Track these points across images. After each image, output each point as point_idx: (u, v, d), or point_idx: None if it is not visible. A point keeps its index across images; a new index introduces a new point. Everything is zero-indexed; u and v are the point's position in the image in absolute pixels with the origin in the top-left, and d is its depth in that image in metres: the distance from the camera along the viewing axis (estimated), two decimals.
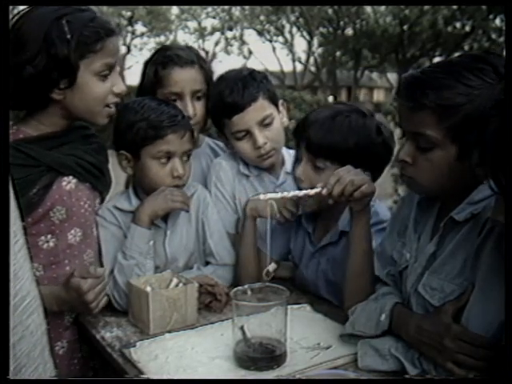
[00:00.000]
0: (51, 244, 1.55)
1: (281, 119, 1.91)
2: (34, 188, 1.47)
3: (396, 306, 1.30)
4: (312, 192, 1.42)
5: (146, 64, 1.98)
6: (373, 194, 1.43)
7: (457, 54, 1.27)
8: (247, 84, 1.82)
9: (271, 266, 1.37)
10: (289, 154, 1.97)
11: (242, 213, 1.84)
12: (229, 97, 1.80)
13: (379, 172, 1.67)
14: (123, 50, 26.77)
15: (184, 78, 1.91)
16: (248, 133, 1.83)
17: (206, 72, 1.97)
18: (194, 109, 1.92)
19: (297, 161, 1.68)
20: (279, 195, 1.40)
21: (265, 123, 1.83)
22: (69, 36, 1.42)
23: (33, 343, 1.44)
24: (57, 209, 1.54)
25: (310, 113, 1.70)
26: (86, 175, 1.60)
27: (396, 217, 1.46)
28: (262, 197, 1.38)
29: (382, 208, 1.69)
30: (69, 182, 1.56)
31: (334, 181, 1.38)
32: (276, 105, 1.89)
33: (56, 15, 1.44)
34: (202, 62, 1.96)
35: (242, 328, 1.30)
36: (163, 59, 1.93)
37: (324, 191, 1.39)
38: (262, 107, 1.82)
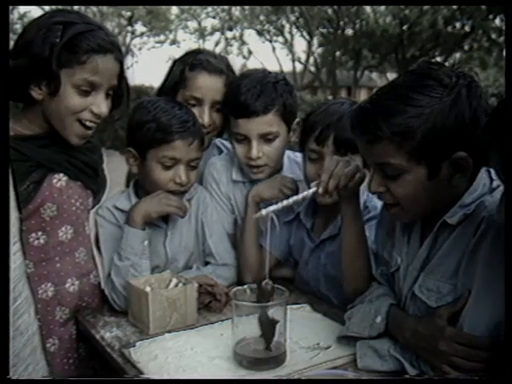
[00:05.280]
0: (42, 241, 1.56)
1: (289, 138, 1.83)
2: (24, 184, 1.47)
3: (391, 309, 1.30)
4: (310, 193, 1.44)
5: (174, 62, 1.94)
6: (364, 180, 1.45)
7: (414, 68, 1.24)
8: (265, 92, 1.74)
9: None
10: (287, 158, 1.94)
11: (245, 201, 1.83)
12: (242, 96, 1.74)
13: None
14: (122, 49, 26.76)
15: (208, 85, 1.87)
16: (247, 139, 1.78)
17: None
18: (210, 118, 1.87)
19: (310, 160, 1.65)
20: (280, 206, 1.38)
21: (267, 138, 1.77)
22: (57, 40, 1.40)
23: (23, 343, 1.45)
24: (47, 205, 1.54)
25: (320, 110, 1.66)
26: (78, 173, 1.60)
27: (384, 216, 1.47)
28: (264, 212, 1.35)
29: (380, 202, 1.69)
30: (59, 180, 1.56)
31: (327, 177, 1.40)
32: (289, 123, 1.81)
33: (56, 20, 1.43)
34: (230, 74, 1.91)
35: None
36: (193, 61, 1.88)
37: (320, 190, 1.41)
38: (269, 122, 1.76)
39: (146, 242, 1.65)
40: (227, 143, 2.10)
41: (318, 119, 1.64)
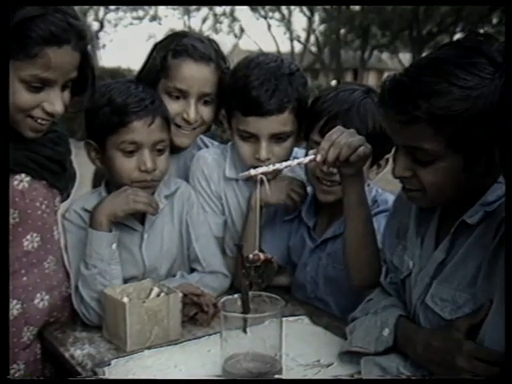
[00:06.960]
0: None
1: (298, 135, 1.82)
2: None
3: (400, 320, 1.31)
4: (306, 160, 1.46)
5: (155, 46, 1.91)
6: (369, 157, 1.47)
7: (444, 43, 1.23)
8: (281, 88, 1.71)
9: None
10: None
11: (247, 203, 1.85)
12: (253, 91, 1.71)
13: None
14: (95, 26, 26.55)
15: (194, 76, 1.84)
16: (255, 138, 1.77)
17: (223, 73, 1.87)
18: (196, 113, 1.85)
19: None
20: (271, 168, 1.42)
21: (278, 137, 1.77)
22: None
23: None
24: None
25: (328, 97, 1.67)
26: (42, 171, 1.57)
27: (394, 217, 1.48)
28: (252, 172, 1.39)
29: (391, 197, 1.71)
30: (21, 181, 1.53)
31: (328, 145, 1.41)
32: (302, 119, 1.79)
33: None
34: (220, 61, 1.88)
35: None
36: (176, 46, 1.85)
37: (318, 158, 1.43)
38: (283, 122, 1.74)
39: (113, 246, 1.64)
40: (208, 141, 2.08)
41: (325, 107, 1.66)
